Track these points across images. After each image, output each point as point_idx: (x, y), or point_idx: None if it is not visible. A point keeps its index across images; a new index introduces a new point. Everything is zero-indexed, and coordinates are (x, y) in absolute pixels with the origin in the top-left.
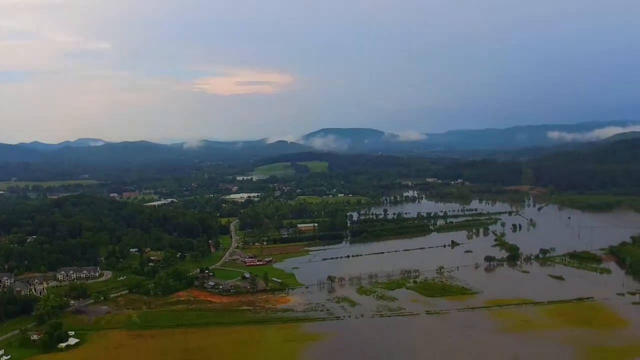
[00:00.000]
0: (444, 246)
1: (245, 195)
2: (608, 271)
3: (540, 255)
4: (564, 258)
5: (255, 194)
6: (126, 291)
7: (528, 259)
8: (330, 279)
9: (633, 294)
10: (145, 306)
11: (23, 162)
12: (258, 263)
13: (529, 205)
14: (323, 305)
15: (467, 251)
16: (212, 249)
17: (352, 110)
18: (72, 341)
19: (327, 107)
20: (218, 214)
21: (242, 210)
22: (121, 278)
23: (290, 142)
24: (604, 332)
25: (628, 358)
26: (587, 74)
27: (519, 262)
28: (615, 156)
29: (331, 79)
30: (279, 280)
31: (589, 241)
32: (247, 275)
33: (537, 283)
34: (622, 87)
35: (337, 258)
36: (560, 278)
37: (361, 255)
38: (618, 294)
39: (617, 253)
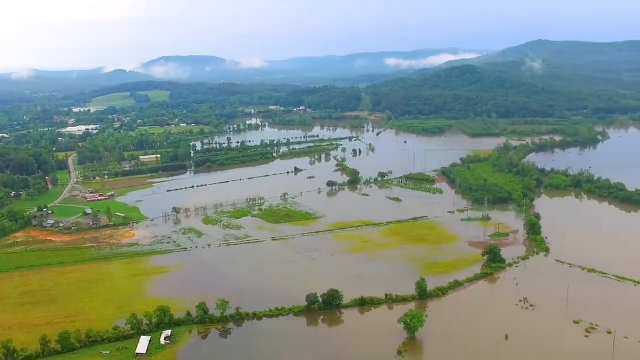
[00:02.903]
0: (288, 173)
1: (83, 127)
2: (440, 191)
3: (379, 179)
4: (400, 180)
5: (94, 126)
6: None
7: (368, 182)
8: (176, 210)
9: (462, 211)
10: None
11: None
12: (100, 198)
13: (368, 131)
14: (169, 238)
15: (310, 177)
16: (50, 186)
17: (193, 37)
18: None
19: (168, 34)
20: (54, 149)
21: (80, 144)
22: None
23: (129, 71)
24: (436, 249)
25: (457, 270)
26: (423, 3)
27: (359, 186)
28: (447, 83)
29: (171, 3)
30: (123, 215)
31: (423, 164)
32: (88, 211)
33: (376, 205)
34: (455, 17)
35: (181, 189)
36: (397, 199)
37: (206, 185)
38: (449, 212)
39: (448, 174)
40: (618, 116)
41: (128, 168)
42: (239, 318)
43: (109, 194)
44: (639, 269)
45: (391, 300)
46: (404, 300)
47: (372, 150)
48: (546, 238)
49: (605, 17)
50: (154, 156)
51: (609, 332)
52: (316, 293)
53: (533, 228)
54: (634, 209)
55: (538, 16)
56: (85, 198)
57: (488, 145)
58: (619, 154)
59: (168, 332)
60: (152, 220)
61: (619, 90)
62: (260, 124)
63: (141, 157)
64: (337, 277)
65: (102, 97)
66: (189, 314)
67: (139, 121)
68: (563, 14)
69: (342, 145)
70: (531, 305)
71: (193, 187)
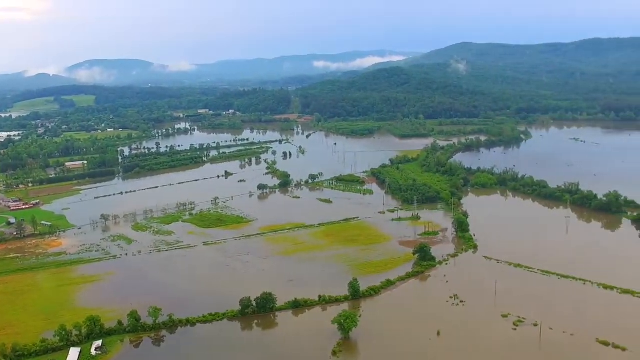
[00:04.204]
0: (218, 177)
1: (4, 134)
2: (370, 192)
3: (310, 181)
4: (331, 182)
5: (16, 133)
6: None
7: (299, 185)
8: (104, 217)
9: (392, 211)
10: None
11: None
12: (24, 207)
13: (298, 133)
14: (98, 245)
15: (241, 180)
16: None
17: (119, 41)
18: None
19: (92, 37)
20: None
21: (1, 151)
22: None
23: (53, 75)
24: (368, 249)
25: (389, 269)
26: (350, 6)
27: (290, 189)
28: (375, 85)
29: (94, 5)
30: (49, 223)
31: (353, 165)
32: (12, 220)
33: (307, 207)
34: (381, 20)
35: (110, 195)
36: (328, 201)
37: (135, 191)
38: (379, 213)
39: (378, 175)
40: (539, 116)
41: (53, 175)
42: (172, 325)
43: (34, 202)
44: (562, 263)
45: (325, 302)
46: (337, 301)
47: (302, 152)
48: (474, 235)
49: (525, 21)
50: (80, 162)
51: (535, 324)
52: (250, 297)
53: (461, 226)
54: (555, 205)
55: (462, 19)
56: (9, 207)
57: (416, 145)
58: (541, 153)
59: (99, 343)
60: (79, 228)
61: (539, 90)
62: (189, 128)
63: (67, 164)
64: (270, 280)
65: (24, 102)
66: (120, 323)
67: (63, 127)
68: (485, 18)
69: (272, 148)
70: (461, 301)
71: (122, 193)
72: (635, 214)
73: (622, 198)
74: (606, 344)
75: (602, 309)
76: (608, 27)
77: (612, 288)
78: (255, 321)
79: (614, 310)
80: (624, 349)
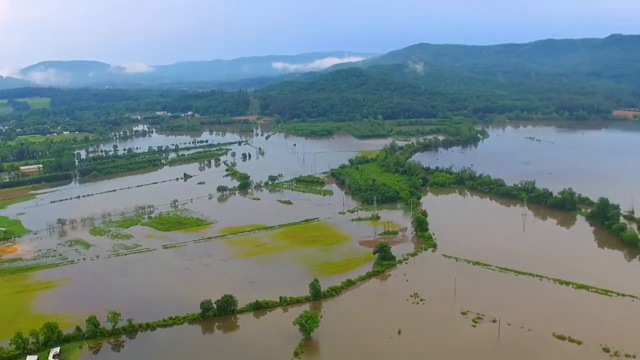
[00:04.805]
0: (177, 179)
1: None
2: (330, 193)
3: (270, 182)
4: (291, 183)
5: None
6: None
7: (258, 186)
8: (61, 222)
9: (352, 211)
10: None
11: None
12: None
13: (257, 135)
14: (55, 251)
15: (200, 183)
16: None
17: (74, 42)
18: None
19: (47, 38)
20: None
21: None
22: None
23: (6, 77)
24: (329, 249)
25: (349, 269)
26: (308, 7)
27: (250, 190)
28: (334, 85)
29: (47, 6)
30: (3, 229)
31: (312, 166)
32: None
33: (267, 209)
34: (340, 20)
35: (66, 199)
36: (288, 202)
37: (92, 194)
38: (339, 213)
39: (337, 175)
40: (496, 115)
41: (7, 179)
42: (132, 330)
43: None
44: (519, 259)
45: (286, 303)
46: (298, 301)
47: (262, 153)
48: (433, 234)
49: (481, 22)
50: (36, 166)
51: (494, 321)
52: (210, 299)
53: (420, 225)
54: (512, 203)
55: (419, 20)
56: None
57: (375, 145)
58: (498, 152)
59: (57, 350)
60: (35, 234)
61: (495, 90)
62: (147, 130)
63: (21, 168)
64: (231, 282)
65: None
66: (78, 329)
67: (18, 130)
68: (442, 19)
69: (231, 149)
70: (421, 300)
71: (79, 197)
72: (589, 210)
73: (576, 195)
74: (562, 338)
75: (558, 304)
76: (561, 29)
77: (567, 283)
78: (217, 324)
79: (569, 305)
80: (579, 343)
